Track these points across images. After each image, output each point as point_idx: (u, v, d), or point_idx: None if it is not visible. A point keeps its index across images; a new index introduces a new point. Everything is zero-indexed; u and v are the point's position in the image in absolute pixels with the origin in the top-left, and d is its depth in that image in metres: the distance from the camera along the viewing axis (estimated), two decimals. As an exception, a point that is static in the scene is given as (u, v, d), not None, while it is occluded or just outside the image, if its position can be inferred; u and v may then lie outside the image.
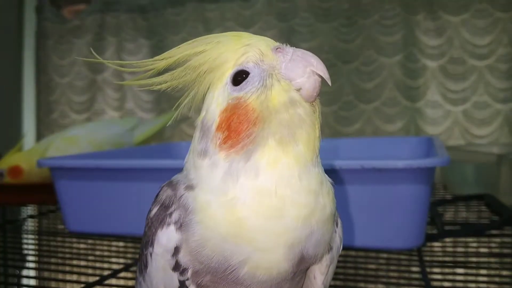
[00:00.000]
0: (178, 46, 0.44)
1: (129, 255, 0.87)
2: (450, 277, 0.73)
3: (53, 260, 0.86)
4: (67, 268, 0.78)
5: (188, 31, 2.08)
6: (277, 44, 0.43)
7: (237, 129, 0.40)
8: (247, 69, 0.41)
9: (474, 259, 0.80)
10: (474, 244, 0.87)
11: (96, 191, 0.81)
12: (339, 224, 0.48)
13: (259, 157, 0.40)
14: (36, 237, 0.97)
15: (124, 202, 0.80)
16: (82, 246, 0.90)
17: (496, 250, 0.85)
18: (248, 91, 0.41)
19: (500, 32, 1.75)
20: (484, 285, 0.78)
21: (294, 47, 0.43)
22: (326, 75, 0.40)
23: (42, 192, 1.01)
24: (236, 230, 0.40)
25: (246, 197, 0.40)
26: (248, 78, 0.41)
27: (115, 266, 0.78)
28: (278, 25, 1.97)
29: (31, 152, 1.11)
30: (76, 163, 0.80)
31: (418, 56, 1.83)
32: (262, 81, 0.41)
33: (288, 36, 1.93)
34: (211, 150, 0.41)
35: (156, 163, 0.75)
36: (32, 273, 0.86)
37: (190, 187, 0.42)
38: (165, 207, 0.44)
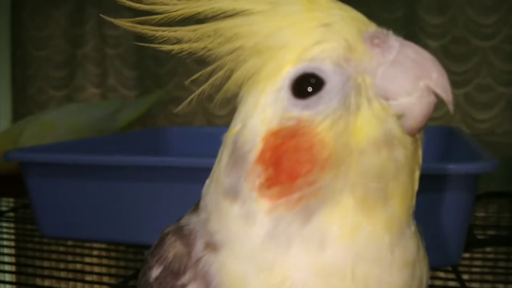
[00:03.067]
0: None
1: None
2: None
3: (29, 262, 0.77)
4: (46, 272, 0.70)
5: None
6: (373, 29, 0.27)
7: (292, 170, 0.26)
8: (322, 75, 0.26)
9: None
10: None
11: (74, 190, 0.71)
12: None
13: (327, 220, 0.26)
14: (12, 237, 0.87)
15: (109, 203, 0.70)
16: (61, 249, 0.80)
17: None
18: (320, 112, 0.26)
19: (506, 11, 1.67)
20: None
21: (402, 38, 0.27)
22: (448, 97, 0.25)
23: (17, 183, 0.90)
24: None
25: (304, 278, 0.27)
26: (322, 90, 0.26)
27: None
28: None
29: (2, 137, 1.00)
30: (50, 158, 0.69)
31: (419, 35, 1.75)
32: (343, 99, 0.26)
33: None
34: (246, 192, 0.27)
35: (148, 160, 0.65)
36: (8, 278, 0.76)
37: (212, 246, 0.28)
38: (174, 274, 0.30)
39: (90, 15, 2.15)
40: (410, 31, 1.75)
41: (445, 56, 1.73)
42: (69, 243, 0.77)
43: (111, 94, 2.14)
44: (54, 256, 0.75)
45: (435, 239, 0.62)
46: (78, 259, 0.80)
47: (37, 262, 0.76)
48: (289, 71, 0.27)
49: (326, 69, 0.26)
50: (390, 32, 0.27)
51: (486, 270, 0.74)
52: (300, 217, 0.26)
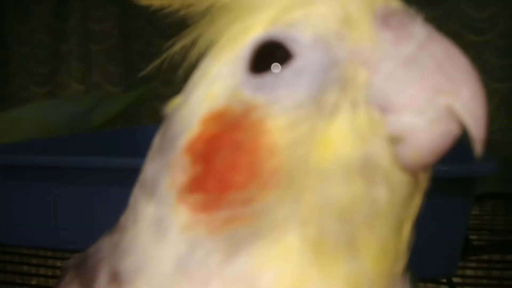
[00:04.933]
0: None
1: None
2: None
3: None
4: None
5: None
6: (395, 4, 0.20)
7: (224, 176, 0.19)
8: (293, 46, 0.19)
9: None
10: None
11: (32, 194, 0.66)
12: None
13: (260, 261, 0.18)
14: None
15: (72, 208, 0.65)
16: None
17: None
18: (278, 100, 0.18)
19: (501, 6, 1.63)
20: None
21: (432, 28, 0.20)
22: (479, 131, 0.18)
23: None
24: None
25: None
26: (288, 67, 0.19)
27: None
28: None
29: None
30: (2, 159, 0.64)
31: (412, 29, 1.70)
32: (317, 92, 0.18)
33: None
34: (164, 187, 0.20)
35: (110, 162, 0.60)
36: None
37: (117, 280, 0.21)
38: None
39: (73, 9, 2.09)
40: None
41: (438, 51, 1.69)
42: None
43: (95, 90, 2.09)
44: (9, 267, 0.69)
45: (428, 248, 0.57)
46: (33, 271, 0.75)
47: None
48: (255, 35, 0.19)
49: (301, 40, 0.19)
50: (419, 17, 0.20)
51: (481, 281, 0.69)
52: (223, 248, 0.18)
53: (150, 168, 0.22)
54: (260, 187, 0.18)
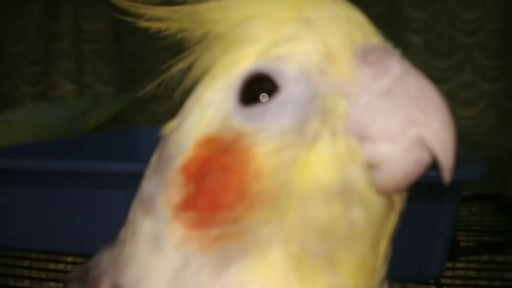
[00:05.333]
0: None
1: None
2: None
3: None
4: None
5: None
6: (374, 41, 0.21)
7: (215, 196, 0.20)
8: (279, 79, 0.21)
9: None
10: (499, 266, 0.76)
11: (25, 197, 0.66)
12: None
13: (247, 275, 0.20)
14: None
15: (64, 211, 0.65)
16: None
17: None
18: (265, 129, 0.20)
19: (491, 6, 1.65)
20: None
21: (408, 63, 0.21)
22: (448, 160, 0.20)
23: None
24: None
25: None
26: (273, 100, 0.21)
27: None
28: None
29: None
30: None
31: (402, 30, 1.71)
32: (300, 122, 0.20)
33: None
34: (161, 204, 0.22)
35: (102, 167, 0.60)
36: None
37: None
38: None
39: (66, 9, 2.08)
40: (392, 26, 1.71)
41: (428, 52, 1.70)
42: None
43: (87, 90, 2.08)
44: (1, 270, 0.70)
45: (416, 251, 0.58)
46: (26, 273, 0.75)
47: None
48: (246, 67, 0.21)
49: (286, 73, 0.20)
50: (397, 52, 0.21)
51: (469, 282, 0.71)
52: (214, 263, 0.20)
53: (148, 185, 0.23)
54: (248, 207, 0.20)
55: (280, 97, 0.21)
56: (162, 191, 0.22)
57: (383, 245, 0.22)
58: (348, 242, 0.20)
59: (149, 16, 0.24)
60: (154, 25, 0.24)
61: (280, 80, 0.21)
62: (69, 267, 0.78)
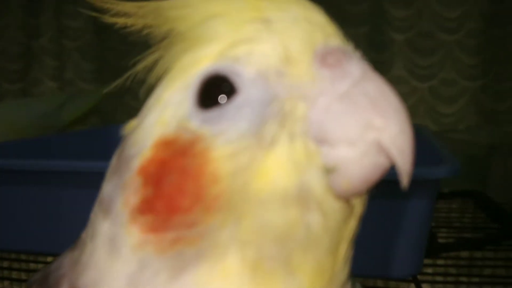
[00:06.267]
0: None
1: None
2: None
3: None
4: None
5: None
6: (334, 42, 0.21)
7: (171, 199, 0.20)
8: (237, 80, 0.20)
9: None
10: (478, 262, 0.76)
11: (3, 197, 0.65)
12: None
13: (202, 280, 0.20)
14: None
15: (43, 211, 0.65)
16: None
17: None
18: (222, 132, 0.20)
19: (471, 5, 1.66)
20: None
21: (367, 66, 0.21)
22: (405, 164, 0.20)
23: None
24: None
25: None
26: (231, 102, 0.20)
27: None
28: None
29: None
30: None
31: (385, 28, 1.72)
32: (257, 125, 0.20)
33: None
34: (118, 206, 0.22)
35: (81, 165, 0.60)
36: None
37: None
38: None
39: (47, 4, 2.05)
40: (375, 24, 1.72)
41: (411, 50, 1.71)
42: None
43: (69, 87, 2.05)
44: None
45: (393, 248, 0.58)
46: (6, 274, 0.74)
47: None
48: (204, 68, 0.21)
49: (244, 75, 0.20)
50: (356, 54, 0.21)
51: (448, 278, 0.71)
52: (169, 268, 0.20)
53: (108, 186, 0.23)
54: (204, 211, 0.20)
55: (237, 100, 0.20)
56: (120, 192, 0.22)
57: (343, 249, 0.22)
58: (306, 247, 0.20)
59: (115, 11, 0.24)
60: (120, 21, 0.24)
61: (237, 81, 0.21)
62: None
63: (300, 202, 0.20)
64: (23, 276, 0.74)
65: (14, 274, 0.77)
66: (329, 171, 0.20)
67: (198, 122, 0.21)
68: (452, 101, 1.69)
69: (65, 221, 0.64)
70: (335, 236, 0.21)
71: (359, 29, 1.71)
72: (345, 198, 0.21)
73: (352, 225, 0.22)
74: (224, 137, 0.20)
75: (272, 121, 0.20)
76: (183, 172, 0.20)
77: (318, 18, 0.22)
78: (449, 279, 0.74)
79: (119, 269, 0.21)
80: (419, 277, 0.63)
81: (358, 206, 0.22)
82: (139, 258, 0.21)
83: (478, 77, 1.68)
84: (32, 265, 0.82)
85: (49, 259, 0.80)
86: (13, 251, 0.73)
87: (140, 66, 0.24)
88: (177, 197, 0.20)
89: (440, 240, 0.77)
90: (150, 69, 0.24)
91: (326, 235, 0.20)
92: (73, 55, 2.08)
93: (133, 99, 1.81)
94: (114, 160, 0.24)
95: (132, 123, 0.24)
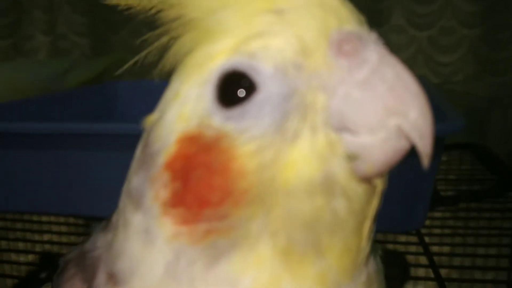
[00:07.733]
0: None
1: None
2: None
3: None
4: None
5: None
6: (349, 27, 0.20)
7: (201, 193, 0.20)
8: (256, 77, 0.20)
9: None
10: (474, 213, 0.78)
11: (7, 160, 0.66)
12: None
13: (238, 267, 0.21)
14: None
15: (48, 173, 0.65)
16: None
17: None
18: (245, 129, 0.20)
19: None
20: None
21: (384, 49, 0.21)
22: (426, 148, 0.20)
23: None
24: None
25: None
26: (252, 99, 0.20)
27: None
28: None
29: None
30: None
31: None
32: (279, 120, 0.20)
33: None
34: (149, 200, 0.22)
35: (80, 128, 0.59)
36: None
37: (114, 279, 0.23)
38: None
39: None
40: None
41: (409, -2, 1.68)
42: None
43: (61, 41, 2.01)
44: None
45: (398, 203, 0.60)
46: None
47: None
48: (220, 63, 0.21)
49: (262, 71, 0.20)
50: (372, 36, 0.20)
51: (446, 231, 0.73)
52: (205, 256, 0.21)
53: (135, 179, 0.23)
54: (234, 205, 0.20)
55: (258, 96, 0.21)
56: (149, 187, 0.22)
57: (367, 227, 0.22)
58: (333, 230, 0.21)
59: None
60: (122, 2, 0.24)
61: (256, 78, 0.20)
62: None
63: (326, 190, 0.20)
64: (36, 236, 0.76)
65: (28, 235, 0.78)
66: (351, 158, 0.20)
67: (220, 119, 0.21)
68: (451, 50, 1.68)
69: (65, 183, 0.65)
70: (359, 217, 0.22)
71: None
72: (368, 180, 0.21)
73: (375, 203, 0.22)
74: (248, 134, 0.20)
75: (294, 115, 0.20)
76: (209, 168, 0.20)
77: (333, 1, 0.21)
78: (446, 231, 0.76)
79: (155, 259, 0.22)
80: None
81: (380, 184, 0.22)
82: (174, 248, 0.21)
83: (477, 25, 1.66)
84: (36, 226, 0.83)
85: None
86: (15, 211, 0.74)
87: (155, 46, 0.24)
88: (206, 191, 0.20)
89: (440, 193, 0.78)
90: (160, 51, 0.24)
91: (351, 217, 0.21)
92: (64, 8, 2.03)
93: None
94: (138, 153, 0.24)
95: (152, 116, 0.24)
